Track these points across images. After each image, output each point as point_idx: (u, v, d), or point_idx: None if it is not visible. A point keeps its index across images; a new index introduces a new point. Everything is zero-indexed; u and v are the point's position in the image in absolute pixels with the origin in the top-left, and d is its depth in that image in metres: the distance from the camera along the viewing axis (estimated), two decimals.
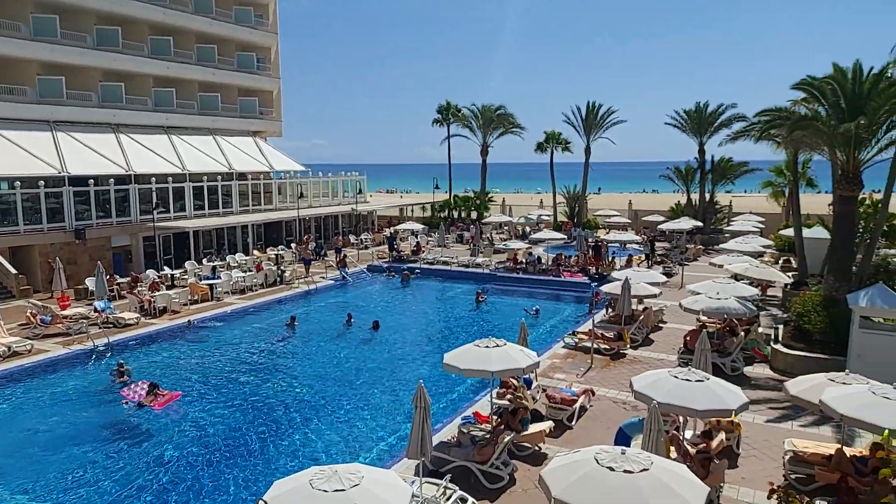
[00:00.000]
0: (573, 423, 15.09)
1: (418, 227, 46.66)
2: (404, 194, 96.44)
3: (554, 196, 52.92)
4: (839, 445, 12.16)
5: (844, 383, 11.67)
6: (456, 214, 56.10)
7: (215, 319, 26.70)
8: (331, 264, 36.64)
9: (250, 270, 32.89)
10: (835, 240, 20.40)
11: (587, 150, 50.47)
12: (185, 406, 17.67)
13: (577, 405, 15.33)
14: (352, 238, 45.84)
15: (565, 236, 43.03)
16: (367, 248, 43.86)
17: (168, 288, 29.43)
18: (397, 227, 48.47)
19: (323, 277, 34.21)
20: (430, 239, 45.30)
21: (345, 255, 36.42)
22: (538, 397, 16.16)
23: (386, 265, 37.53)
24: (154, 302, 26.72)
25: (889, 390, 10.76)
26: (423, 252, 39.89)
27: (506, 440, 12.74)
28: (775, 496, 6.22)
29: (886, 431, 10.24)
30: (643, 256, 36.20)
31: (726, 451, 13.25)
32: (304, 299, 30.98)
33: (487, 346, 13.46)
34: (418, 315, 29.17)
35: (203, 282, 29.99)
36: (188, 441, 15.50)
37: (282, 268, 33.83)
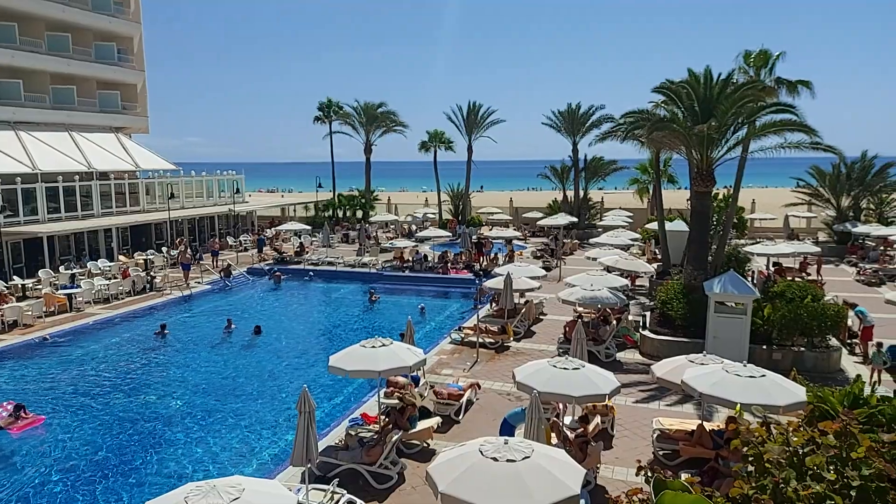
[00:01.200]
0: (460, 417, 15.33)
1: (302, 227, 45.45)
2: (286, 194, 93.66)
3: (438, 194, 53.55)
4: (700, 421, 13.26)
5: (702, 364, 12.74)
6: (341, 214, 55.26)
7: (75, 332, 24.48)
8: (207, 268, 34.79)
9: (115, 278, 30.47)
10: (692, 232, 22.18)
11: (469, 149, 51.61)
12: (49, 428, 16.05)
13: (464, 399, 15.60)
14: (230, 240, 43.81)
15: (451, 234, 43.71)
16: (246, 249, 42.11)
17: (19, 300, 26.60)
18: (279, 228, 46.94)
19: (198, 282, 32.41)
20: (314, 239, 44.30)
21: (229, 265, 34.53)
22: (426, 394, 16.26)
23: (268, 267, 36.22)
24: (2, 315, 24.06)
25: (739, 368, 11.86)
26: (308, 253, 38.92)
27: (394, 439, 12.70)
28: (642, 473, 6.60)
29: (738, 405, 11.28)
30: (549, 252, 37.62)
31: (602, 434, 14.03)
32: (178, 306, 29.19)
33: (374, 346, 13.34)
34: (303, 318, 28.41)
35: (60, 291, 27.41)
36: (53, 466, 14.10)
37: (152, 273, 31.66)
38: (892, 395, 12.63)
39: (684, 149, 21.76)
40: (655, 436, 13.45)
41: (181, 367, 21.23)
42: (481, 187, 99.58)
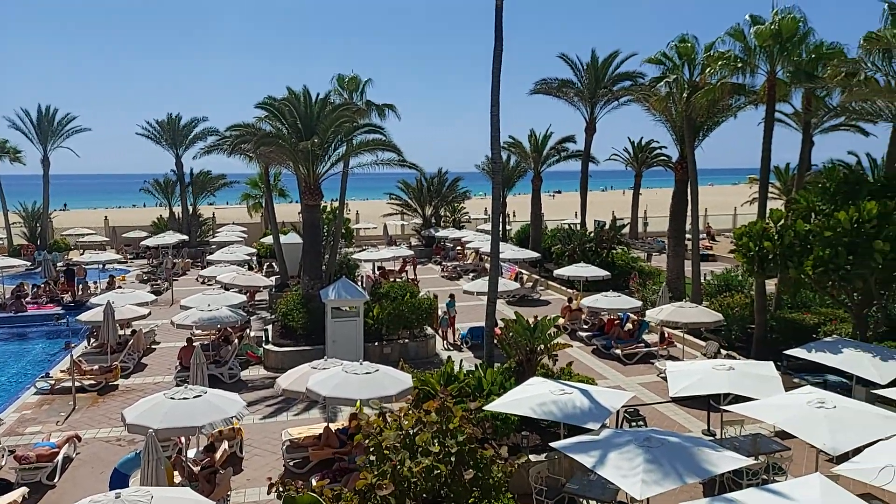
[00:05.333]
0: (56, 479, 12.78)
1: None
2: None
3: (6, 215, 43.83)
4: (326, 424, 13.80)
5: (324, 368, 13.29)
6: None
7: None
8: None
9: None
10: (305, 244, 23.06)
11: (45, 162, 43.59)
12: None
13: (60, 457, 13.06)
14: None
15: (28, 262, 36.39)
16: None
17: None
18: None
19: None
20: None
21: None
22: (3, 463, 13.08)
23: None
24: None
25: (357, 367, 12.74)
26: None
27: None
28: (274, 489, 6.48)
29: (358, 402, 12.10)
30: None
31: (231, 459, 13.43)
32: None
33: None
34: None
35: None
36: None
37: None
38: (474, 368, 15.28)
39: (292, 164, 22.46)
40: (285, 447, 13.49)
41: None
42: (65, 205, 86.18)
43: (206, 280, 30.20)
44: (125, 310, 20.56)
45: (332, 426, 13.69)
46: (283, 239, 30.24)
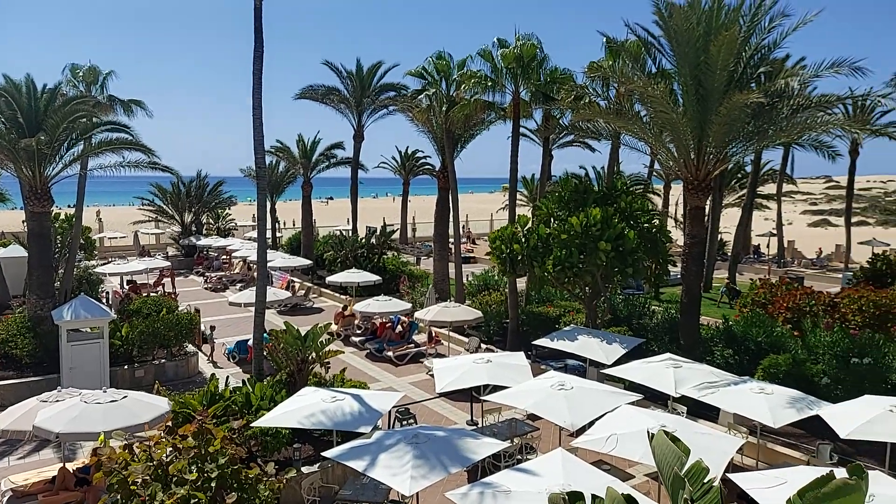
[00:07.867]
0: None
1: None
2: None
3: None
4: (62, 464, 11.92)
5: (58, 401, 11.46)
6: None
7: None
8: None
9: None
10: (33, 257, 19.76)
11: None
12: None
13: None
14: None
15: None
16: None
17: None
18: None
19: None
20: None
21: None
22: None
23: None
24: None
25: (100, 395, 11.22)
26: None
27: None
28: None
29: (101, 435, 10.65)
30: None
31: None
32: None
33: None
34: None
35: None
36: None
37: None
38: (242, 384, 14.47)
39: (12, 164, 19.12)
40: (6, 498, 11.36)
41: None
42: None
43: None
44: None
45: (71, 465, 11.89)
46: (2, 252, 25.62)
